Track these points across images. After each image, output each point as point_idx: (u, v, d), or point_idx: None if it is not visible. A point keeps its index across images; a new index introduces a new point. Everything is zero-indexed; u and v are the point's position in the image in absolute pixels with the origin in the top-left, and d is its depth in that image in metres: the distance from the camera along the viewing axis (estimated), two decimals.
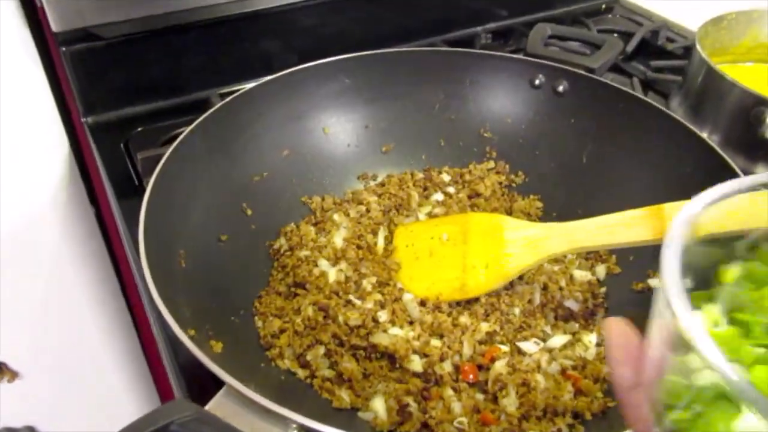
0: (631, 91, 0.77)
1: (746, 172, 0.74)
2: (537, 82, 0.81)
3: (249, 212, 0.74)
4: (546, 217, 0.79)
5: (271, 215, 0.76)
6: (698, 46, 0.88)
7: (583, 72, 0.80)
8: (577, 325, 0.66)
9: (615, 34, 1.18)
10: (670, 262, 0.27)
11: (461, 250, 0.70)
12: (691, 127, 0.71)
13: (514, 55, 0.85)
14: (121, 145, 0.96)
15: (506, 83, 0.83)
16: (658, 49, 1.17)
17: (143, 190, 0.84)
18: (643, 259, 0.70)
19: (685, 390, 0.27)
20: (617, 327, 0.33)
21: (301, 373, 0.60)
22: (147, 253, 0.55)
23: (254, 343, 0.63)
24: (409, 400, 0.56)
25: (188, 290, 0.59)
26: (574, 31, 0.99)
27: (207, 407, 0.45)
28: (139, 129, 0.99)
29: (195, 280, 0.61)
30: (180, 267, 0.61)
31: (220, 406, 0.45)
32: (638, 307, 0.66)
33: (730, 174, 0.66)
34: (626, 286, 0.69)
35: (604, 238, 0.62)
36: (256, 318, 0.65)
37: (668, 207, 0.60)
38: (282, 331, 0.63)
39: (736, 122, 0.83)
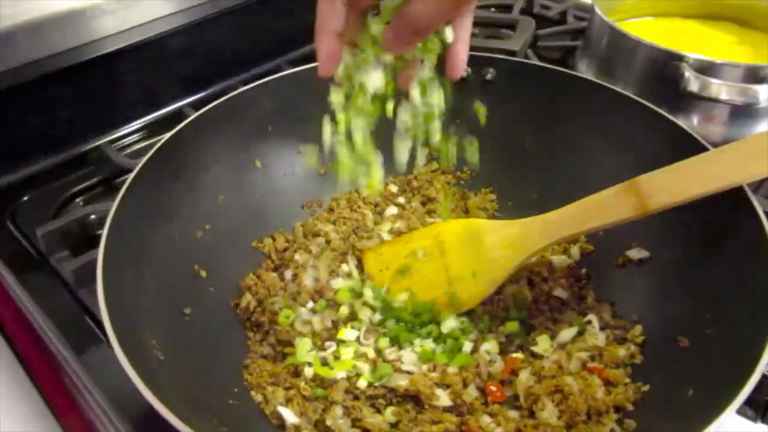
0: (559, 68, 0.77)
1: None
2: (464, 74, 0.79)
3: (203, 274, 0.66)
4: (502, 207, 0.78)
5: (226, 271, 0.68)
6: (597, 9, 0.90)
7: (507, 57, 0.79)
8: (573, 313, 0.65)
9: (492, 9, 1.19)
10: None
11: (441, 263, 0.67)
12: (626, 93, 0.72)
13: None
14: (8, 221, 0.84)
15: None
16: (537, 17, 1.18)
17: (49, 265, 0.75)
18: (611, 232, 0.70)
19: None
20: None
21: None
22: (130, 360, 0.46)
23: (264, 423, 0.56)
24: None
25: (177, 385, 0.51)
26: (481, 16, 0.98)
27: None
28: (25, 198, 0.87)
29: (179, 369, 0.53)
30: (159, 360, 0.53)
31: None
32: (622, 283, 0.68)
33: (672, 129, 0.68)
34: (604, 262, 0.70)
35: (586, 223, 0.62)
36: (252, 393, 0.59)
37: (641, 180, 0.60)
38: (288, 400, 0.57)
39: (648, 79, 0.86)
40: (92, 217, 0.82)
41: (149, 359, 0.52)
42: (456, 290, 0.65)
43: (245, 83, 0.78)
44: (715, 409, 0.44)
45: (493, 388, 0.57)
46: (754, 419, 0.68)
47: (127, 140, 0.97)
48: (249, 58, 1.08)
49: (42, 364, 0.94)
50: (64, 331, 0.69)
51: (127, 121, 0.98)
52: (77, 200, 0.88)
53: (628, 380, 0.58)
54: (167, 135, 0.69)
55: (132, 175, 0.63)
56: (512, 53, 0.82)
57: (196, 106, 0.96)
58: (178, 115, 0.97)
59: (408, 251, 0.69)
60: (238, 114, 0.74)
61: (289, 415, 0.55)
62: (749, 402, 0.66)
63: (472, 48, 0.82)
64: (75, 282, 0.73)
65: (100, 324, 0.69)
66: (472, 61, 0.78)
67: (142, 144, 0.96)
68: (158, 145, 0.68)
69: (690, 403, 0.49)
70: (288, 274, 0.69)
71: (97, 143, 0.93)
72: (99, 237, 0.79)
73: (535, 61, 0.79)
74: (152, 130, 0.98)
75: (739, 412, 0.68)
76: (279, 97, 0.77)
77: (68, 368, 0.69)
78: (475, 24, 0.96)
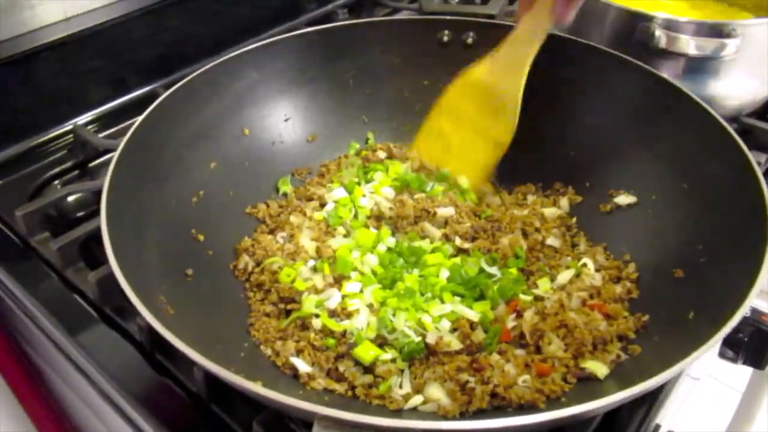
0: None
1: None
2: (445, 39, 0.81)
3: (201, 238, 0.66)
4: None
5: (223, 235, 0.68)
6: None
7: (486, 20, 0.81)
8: (569, 258, 0.67)
9: None
10: None
11: (467, 122, 0.74)
12: (604, 48, 0.75)
13: (417, 16, 0.84)
14: None
15: (415, 46, 0.81)
16: None
17: (31, 247, 0.73)
18: (597, 182, 0.73)
19: None
20: None
21: (340, 388, 0.55)
22: (148, 308, 0.46)
23: (277, 372, 0.56)
24: (466, 376, 0.54)
25: (190, 336, 0.51)
26: None
27: None
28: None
29: (189, 324, 0.53)
30: (170, 314, 0.52)
31: None
32: (612, 228, 0.70)
33: (649, 78, 0.71)
34: (593, 210, 0.72)
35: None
36: (262, 347, 0.58)
37: None
38: (299, 351, 0.57)
39: (618, 40, 0.89)
40: (69, 199, 0.80)
41: (161, 313, 0.51)
42: (489, 137, 0.72)
43: None
44: (717, 323, 0.46)
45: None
46: (734, 360, 0.71)
47: (101, 123, 0.95)
48: (214, 43, 1.06)
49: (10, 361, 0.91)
50: (55, 312, 0.67)
51: (98, 105, 0.97)
52: (54, 183, 0.86)
53: (626, 313, 0.60)
54: (152, 105, 0.69)
55: (121, 146, 0.62)
56: (491, 17, 0.84)
57: (168, 87, 0.95)
58: (151, 97, 0.95)
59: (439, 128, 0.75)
60: (225, 81, 0.74)
61: (302, 365, 0.55)
62: (729, 342, 0.70)
63: (451, 13, 0.84)
64: (60, 261, 0.71)
65: (90, 302, 0.68)
66: (453, 25, 0.81)
67: (118, 126, 0.94)
68: (144, 115, 0.67)
69: (692, 323, 0.52)
70: (281, 236, 0.69)
71: (71, 126, 0.91)
72: (77, 219, 0.80)
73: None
74: (126, 111, 0.96)
75: (720, 353, 0.72)
76: (266, 65, 0.77)
77: (63, 348, 0.68)
78: None
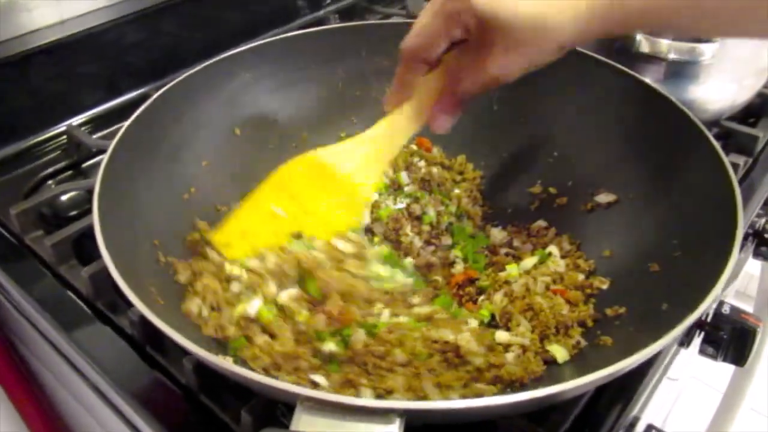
0: None
1: None
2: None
3: (193, 233, 0.67)
4: (476, 167, 0.82)
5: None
6: None
7: None
8: (529, 245, 0.71)
9: None
10: None
11: (307, 208, 0.65)
12: (587, 52, 0.77)
13: (404, 20, 0.86)
14: None
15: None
16: None
17: (26, 247, 0.74)
18: (579, 181, 0.75)
19: None
20: None
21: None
22: (146, 307, 0.48)
23: None
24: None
25: (179, 329, 0.52)
26: None
27: (293, 427, 0.40)
28: None
29: (177, 316, 0.55)
30: (161, 305, 0.54)
31: (305, 422, 0.41)
32: (593, 225, 0.72)
33: (629, 82, 0.73)
34: (575, 208, 0.74)
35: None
36: None
37: None
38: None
39: (603, 43, 0.91)
40: (63, 197, 0.82)
41: (152, 304, 0.53)
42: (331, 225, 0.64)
43: None
44: (687, 313, 0.48)
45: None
46: (715, 357, 0.73)
47: (94, 124, 0.97)
48: (207, 48, 1.07)
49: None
50: (49, 309, 0.68)
51: (92, 107, 0.98)
52: (48, 183, 0.88)
53: (590, 303, 0.63)
54: (145, 103, 0.70)
55: (114, 142, 0.64)
56: None
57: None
58: (144, 99, 0.96)
59: (262, 211, 0.65)
60: (217, 81, 0.76)
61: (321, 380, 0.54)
62: (710, 340, 0.72)
63: None
64: (54, 258, 0.72)
65: (83, 298, 0.69)
66: None
67: (112, 128, 0.95)
68: (137, 113, 0.68)
69: (665, 314, 0.54)
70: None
71: (65, 127, 0.93)
72: (71, 218, 0.81)
73: None
74: (119, 114, 0.98)
75: (701, 351, 0.73)
76: (257, 67, 0.79)
77: (56, 344, 0.69)
78: None
